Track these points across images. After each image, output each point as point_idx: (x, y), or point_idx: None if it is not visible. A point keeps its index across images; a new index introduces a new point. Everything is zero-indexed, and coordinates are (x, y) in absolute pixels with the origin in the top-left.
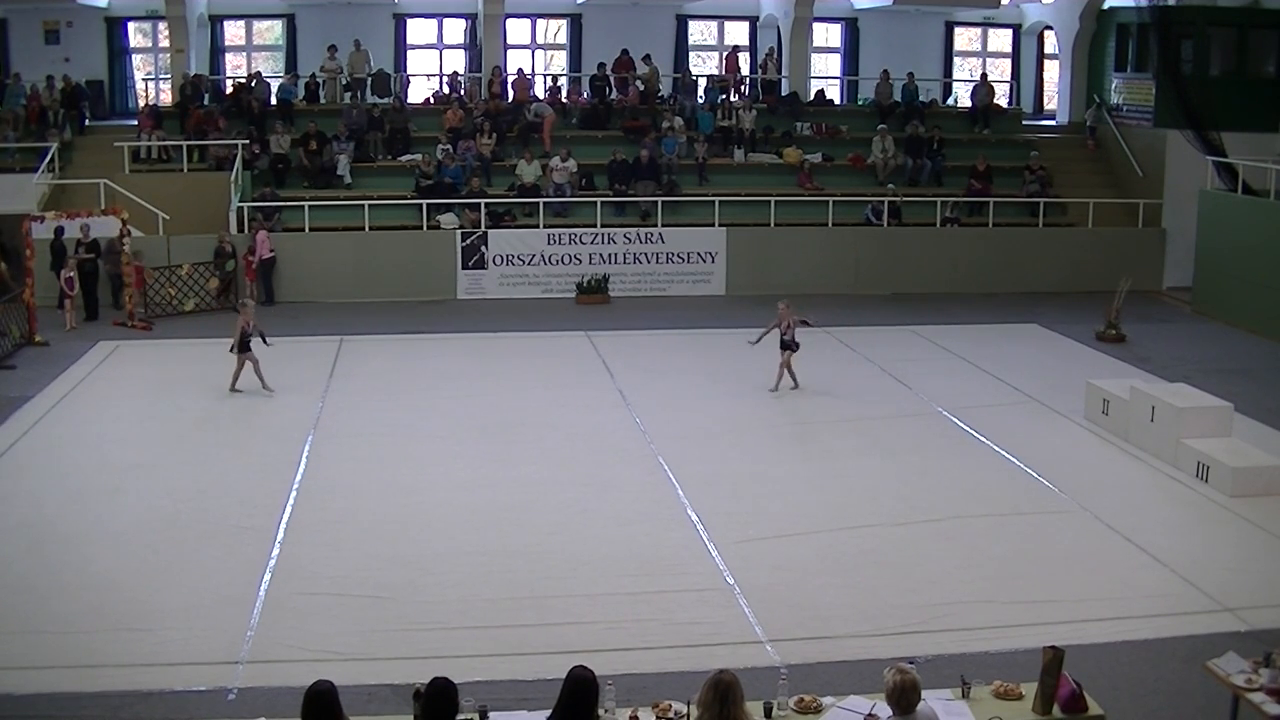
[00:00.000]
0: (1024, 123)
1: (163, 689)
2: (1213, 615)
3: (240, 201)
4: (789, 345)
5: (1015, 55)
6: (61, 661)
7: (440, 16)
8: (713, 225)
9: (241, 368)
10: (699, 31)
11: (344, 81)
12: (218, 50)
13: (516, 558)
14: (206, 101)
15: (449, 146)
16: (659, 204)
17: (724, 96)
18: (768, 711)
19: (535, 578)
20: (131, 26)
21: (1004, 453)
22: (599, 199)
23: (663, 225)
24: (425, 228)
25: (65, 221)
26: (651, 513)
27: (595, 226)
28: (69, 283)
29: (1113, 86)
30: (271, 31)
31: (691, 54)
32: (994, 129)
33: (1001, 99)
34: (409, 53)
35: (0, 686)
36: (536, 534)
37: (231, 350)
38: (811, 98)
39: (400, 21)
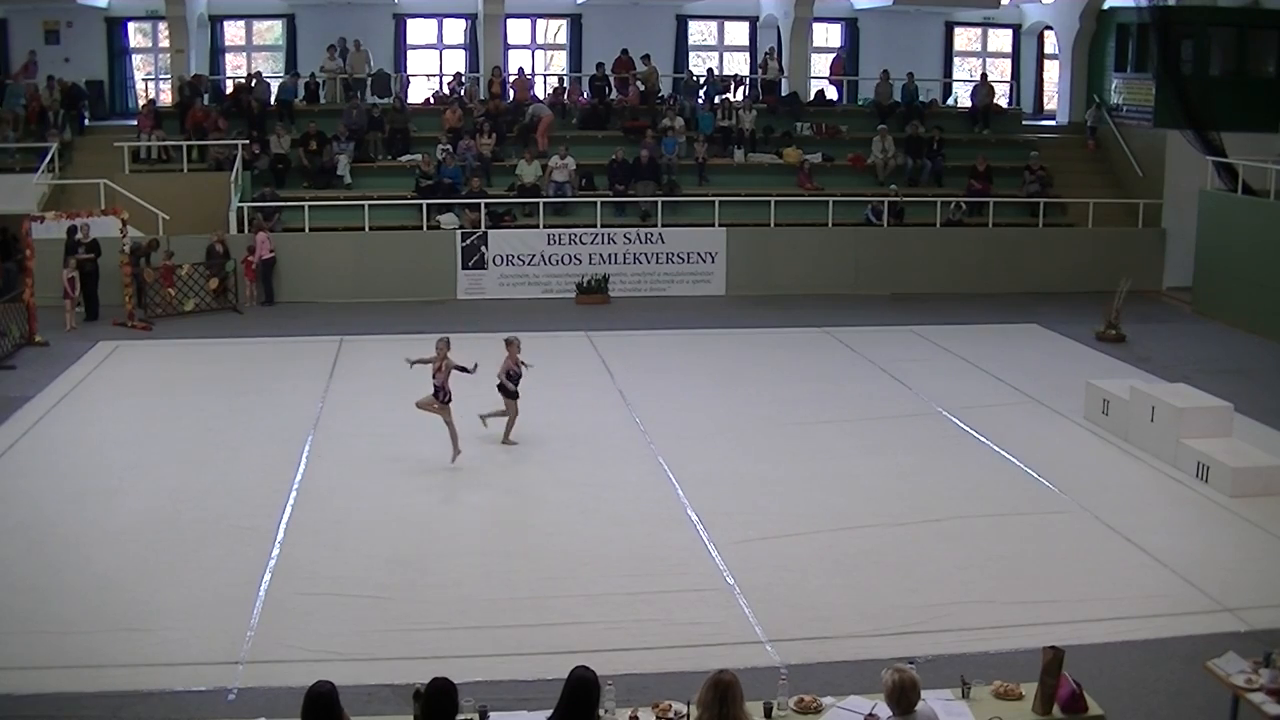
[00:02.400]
0: (1024, 123)
1: (163, 689)
2: (1213, 615)
3: (240, 202)
4: (438, 394)
5: (1015, 55)
6: (61, 661)
7: (440, 16)
8: (713, 225)
9: (511, 415)
10: (699, 32)
11: (344, 81)
12: (218, 50)
13: (516, 558)
14: (206, 101)
15: (449, 146)
16: (659, 204)
17: (724, 95)
18: (768, 711)
19: (535, 578)
20: (131, 27)
21: (1004, 453)
22: (599, 199)
23: (663, 225)
24: (425, 228)
25: (70, 221)
26: (651, 513)
27: (595, 227)
28: (71, 283)
29: (1113, 86)
30: (271, 32)
31: (691, 54)
32: (994, 129)
33: (1001, 99)
34: (409, 53)
35: (0, 686)
36: (536, 534)
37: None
38: (811, 98)
39: (400, 21)
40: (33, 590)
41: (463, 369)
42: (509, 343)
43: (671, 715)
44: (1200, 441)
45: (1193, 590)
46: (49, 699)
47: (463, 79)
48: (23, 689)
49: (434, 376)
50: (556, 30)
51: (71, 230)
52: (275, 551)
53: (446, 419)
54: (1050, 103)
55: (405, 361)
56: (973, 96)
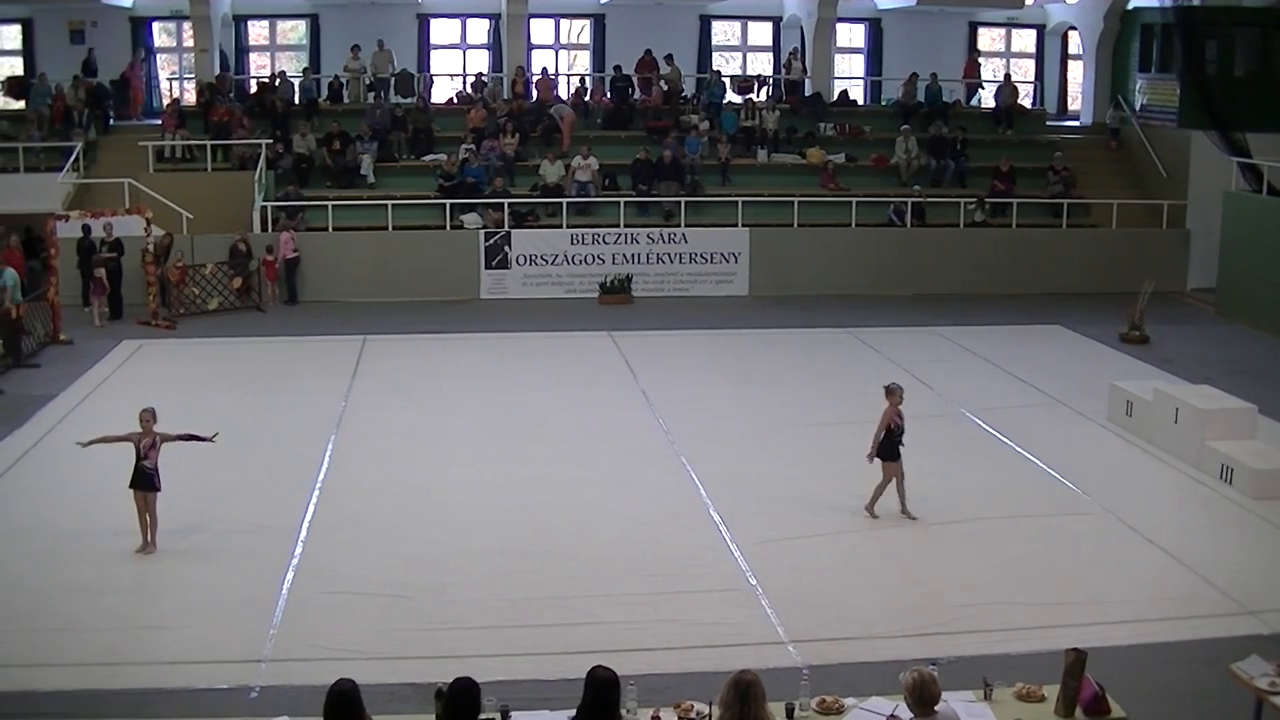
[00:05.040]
0: (1047, 123)
1: (185, 687)
2: (1235, 618)
3: (264, 201)
4: (150, 480)
5: (1039, 56)
6: (85, 659)
7: (464, 16)
8: (736, 225)
9: (889, 481)
10: (722, 32)
11: (367, 81)
12: (241, 50)
13: (538, 557)
14: (230, 100)
15: (472, 146)
16: (682, 204)
17: (748, 95)
18: (790, 712)
19: (557, 577)
20: (156, 26)
21: (1027, 454)
22: (622, 199)
23: (686, 225)
24: (448, 227)
25: (91, 220)
26: (674, 513)
27: (618, 227)
28: (98, 283)
29: (1137, 87)
30: (295, 31)
31: (715, 54)
32: (1017, 129)
33: (1025, 99)
34: (432, 53)
35: (26, 683)
36: (558, 534)
37: (873, 458)
38: (835, 98)
39: (424, 22)
40: (56, 587)
41: (196, 438)
42: (890, 391)
43: (693, 715)
44: (1224, 443)
45: (1215, 593)
46: (73, 696)
47: (486, 79)
48: (45, 686)
49: (145, 458)
50: (580, 30)
51: (86, 230)
52: (298, 550)
53: (149, 509)
54: (1074, 103)
55: (76, 444)
56: (996, 97)
